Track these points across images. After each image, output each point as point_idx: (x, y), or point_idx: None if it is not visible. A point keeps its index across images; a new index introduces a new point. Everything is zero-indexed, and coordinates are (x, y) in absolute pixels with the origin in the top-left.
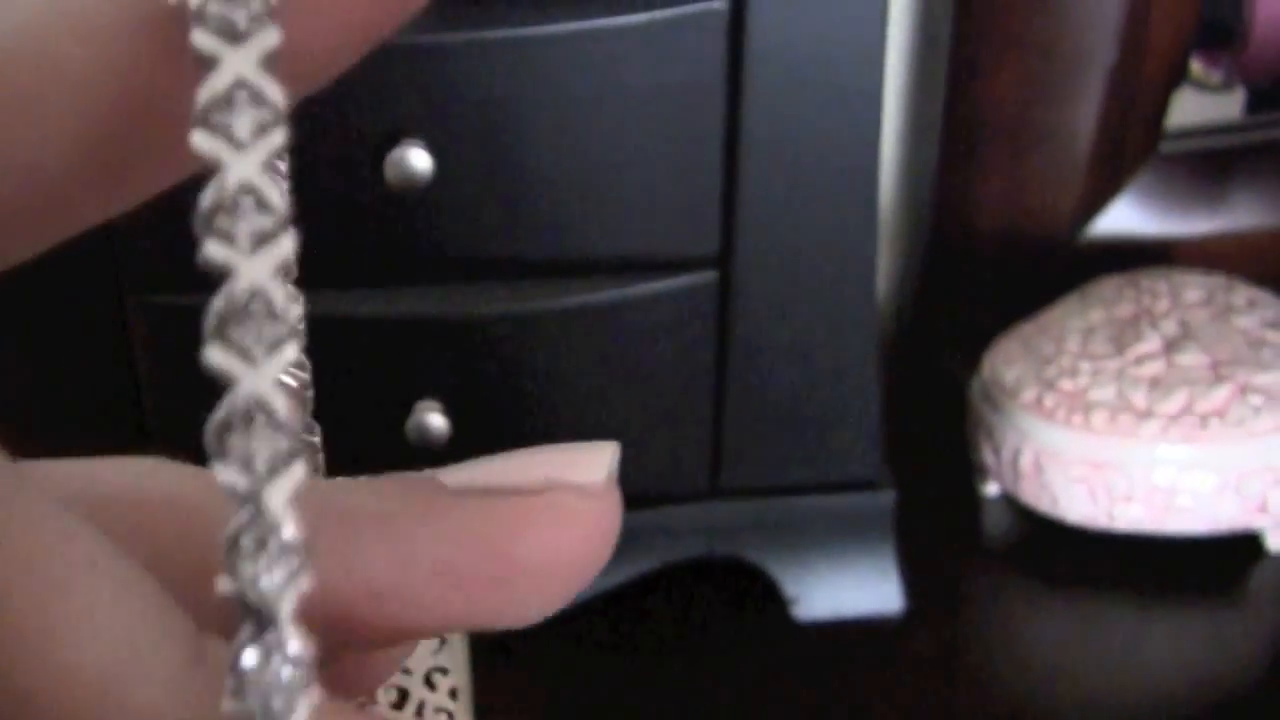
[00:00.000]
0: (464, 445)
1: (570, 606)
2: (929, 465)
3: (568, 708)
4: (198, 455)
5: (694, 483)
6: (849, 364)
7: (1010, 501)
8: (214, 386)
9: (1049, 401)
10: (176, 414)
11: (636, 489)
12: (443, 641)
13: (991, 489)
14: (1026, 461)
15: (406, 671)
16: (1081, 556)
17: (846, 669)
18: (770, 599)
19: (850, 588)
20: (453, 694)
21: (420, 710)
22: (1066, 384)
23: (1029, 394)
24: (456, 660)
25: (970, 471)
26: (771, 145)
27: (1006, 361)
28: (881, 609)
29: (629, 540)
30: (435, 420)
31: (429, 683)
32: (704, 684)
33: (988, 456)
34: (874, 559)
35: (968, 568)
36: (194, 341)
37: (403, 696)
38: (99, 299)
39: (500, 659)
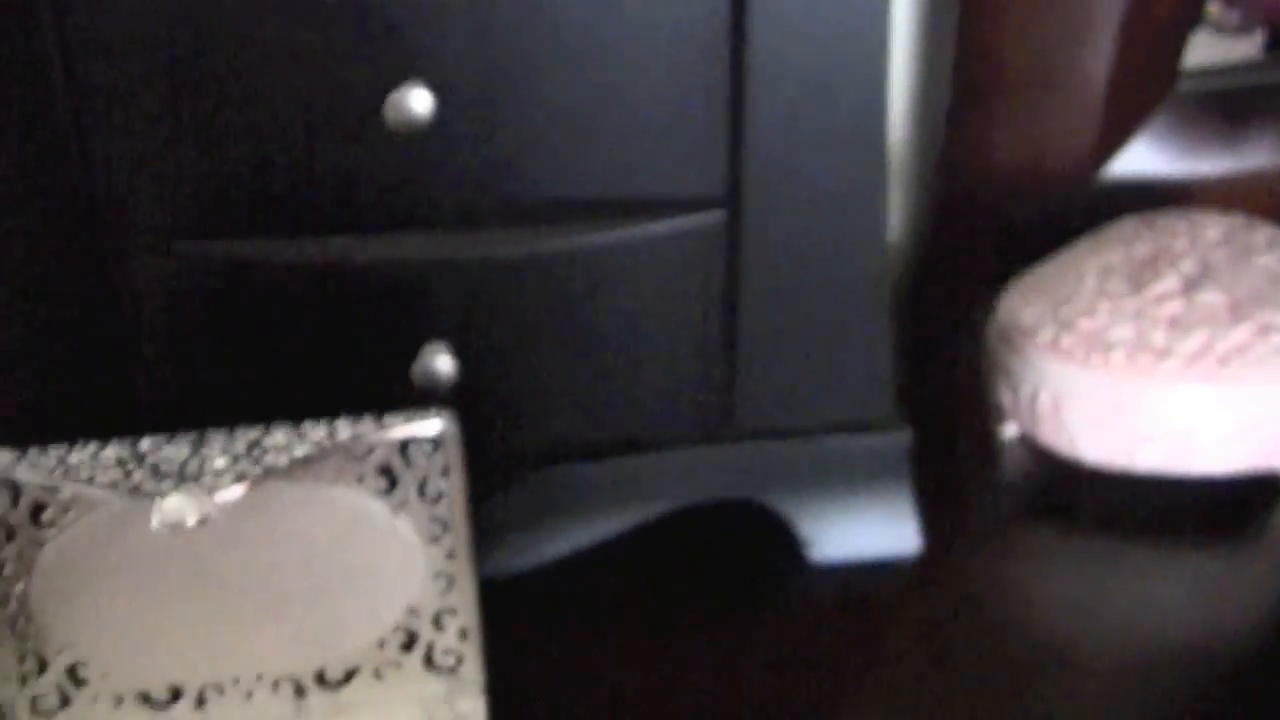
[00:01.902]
0: (472, 388)
1: (581, 552)
2: (946, 408)
3: (578, 653)
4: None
5: (706, 425)
6: (861, 303)
7: (1028, 443)
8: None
9: (1066, 342)
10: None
11: (647, 432)
12: (451, 582)
13: (1009, 431)
14: (1044, 403)
15: (414, 613)
16: (1100, 498)
17: (862, 611)
18: (785, 542)
19: (866, 530)
20: (462, 635)
21: (430, 652)
22: (1084, 323)
23: (1046, 334)
24: (465, 601)
25: (988, 413)
26: (778, 83)
27: (1023, 302)
28: (898, 551)
29: (640, 484)
30: (443, 363)
31: (437, 624)
32: (717, 628)
33: (1005, 398)
34: (890, 500)
35: (985, 509)
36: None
37: (410, 639)
38: (85, 256)
39: (510, 603)
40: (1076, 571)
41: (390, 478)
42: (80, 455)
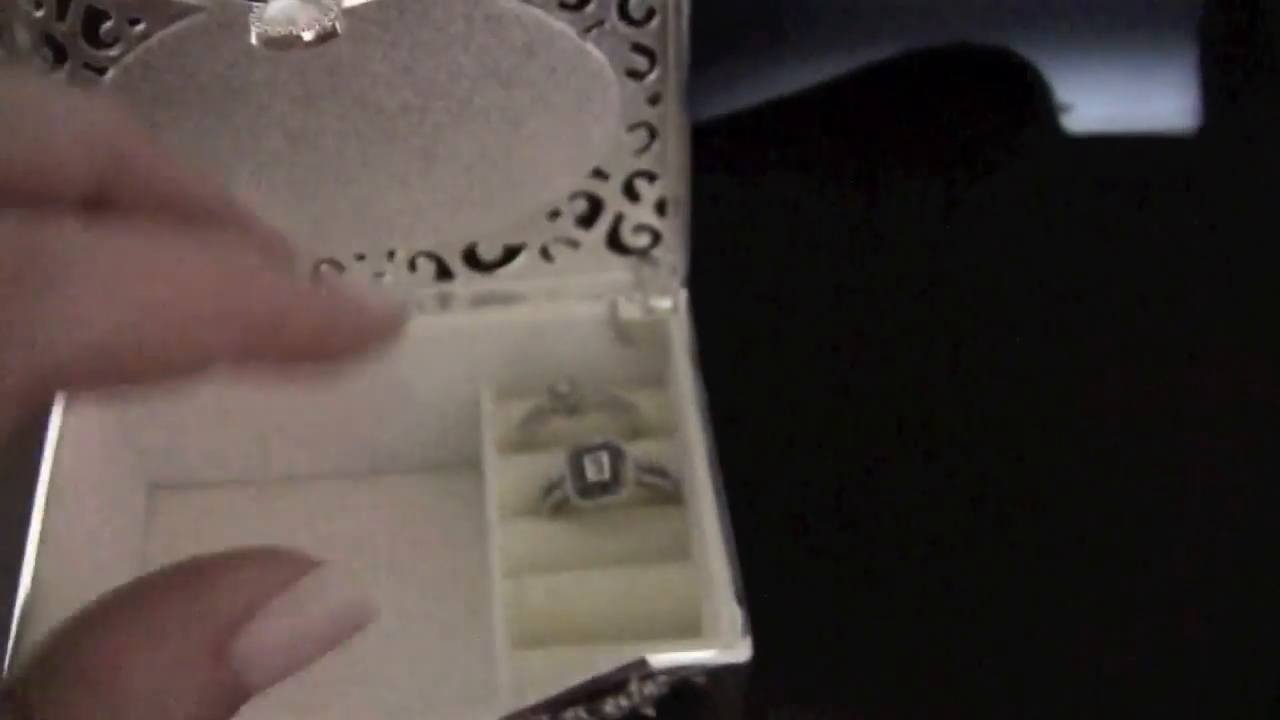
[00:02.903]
0: None
1: (797, 93)
2: None
3: (787, 206)
4: None
5: None
6: None
7: None
8: None
9: None
10: None
11: None
12: (652, 136)
13: None
14: None
15: (600, 176)
16: None
17: (1122, 191)
18: (1039, 103)
19: (1136, 97)
20: (661, 208)
21: (617, 228)
22: None
23: None
24: (672, 162)
25: None
26: None
27: None
28: (1173, 125)
29: (868, 18)
30: None
31: (630, 192)
32: (952, 192)
33: None
34: (1169, 62)
35: (1273, 83)
36: None
37: (593, 209)
38: None
39: (708, 155)
40: None
41: None
42: None
